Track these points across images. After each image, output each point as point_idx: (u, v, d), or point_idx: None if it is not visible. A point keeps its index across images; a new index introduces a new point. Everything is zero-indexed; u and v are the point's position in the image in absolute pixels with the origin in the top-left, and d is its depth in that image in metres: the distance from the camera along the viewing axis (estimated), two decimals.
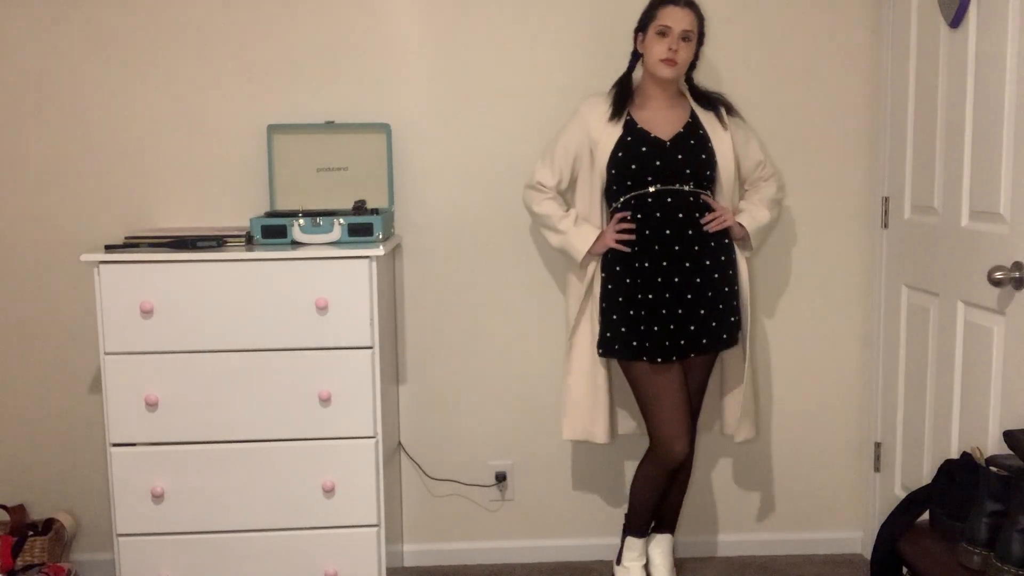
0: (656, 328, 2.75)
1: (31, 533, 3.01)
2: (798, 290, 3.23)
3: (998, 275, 2.27)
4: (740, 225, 2.83)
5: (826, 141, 3.17)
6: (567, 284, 2.99)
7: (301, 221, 2.76)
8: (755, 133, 2.95)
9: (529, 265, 3.17)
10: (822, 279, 3.23)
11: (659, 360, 2.75)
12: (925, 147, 2.78)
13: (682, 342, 2.76)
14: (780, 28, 3.12)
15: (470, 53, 3.10)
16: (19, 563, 2.95)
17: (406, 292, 3.19)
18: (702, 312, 2.77)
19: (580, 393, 2.91)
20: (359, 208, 2.87)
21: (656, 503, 2.93)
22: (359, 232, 2.76)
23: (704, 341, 2.78)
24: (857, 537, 3.31)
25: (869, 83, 3.14)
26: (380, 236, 2.78)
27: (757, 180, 2.93)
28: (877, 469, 3.19)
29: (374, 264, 2.68)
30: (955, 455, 2.52)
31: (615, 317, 2.80)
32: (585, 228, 2.83)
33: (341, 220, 2.76)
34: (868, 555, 2.91)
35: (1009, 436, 2.05)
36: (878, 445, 3.18)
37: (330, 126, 3.03)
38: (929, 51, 2.74)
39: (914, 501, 2.33)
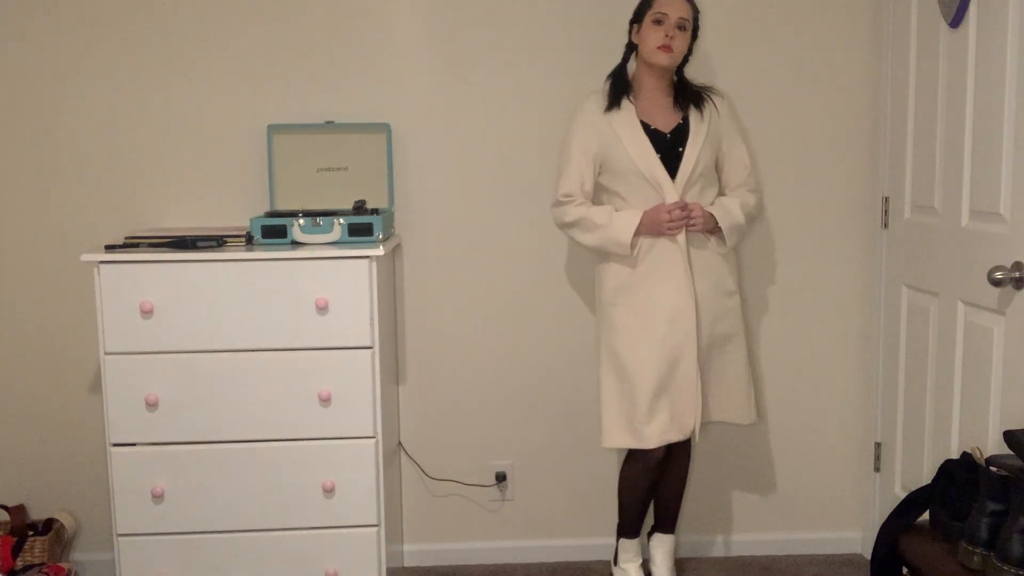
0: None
1: (31, 533, 3.01)
2: (798, 290, 3.23)
3: (998, 275, 2.27)
4: (712, 217, 2.73)
5: (826, 141, 3.17)
6: (596, 280, 2.88)
7: (301, 221, 2.76)
8: (746, 138, 2.91)
9: (529, 265, 3.17)
10: (822, 279, 3.22)
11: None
12: (925, 147, 2.78)
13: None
14: (780, 28, 3.12)
15: (470, 53, 3.10)
16: (19, 563, 2.95)
17: (406, 292, 3.18)
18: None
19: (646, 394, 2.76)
20: (359, 208, 2.87)
21: (643, 503, 2.93)
22: (359, 232, 2.76)
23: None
24: (857, 537, 3.31)
25: (869, 83, 3.13)
26: (380, 236, 2.78)
27: (739, 187, 2.85)
28: (877, 469, 3.19)
29: (374, 264, 2.68)
30: (955, 455, 2.52)
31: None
32: (624, 213, 2.72)
33: (341, 220, 2.76)
34: (868, 555, 2.91)
35: (1009, 436, 2.05)
36: (878, 445, 3.18)
37: (330, 126, 3.03)
38: (929, 51, 2.74)
39: (914, 501, 2.33)
